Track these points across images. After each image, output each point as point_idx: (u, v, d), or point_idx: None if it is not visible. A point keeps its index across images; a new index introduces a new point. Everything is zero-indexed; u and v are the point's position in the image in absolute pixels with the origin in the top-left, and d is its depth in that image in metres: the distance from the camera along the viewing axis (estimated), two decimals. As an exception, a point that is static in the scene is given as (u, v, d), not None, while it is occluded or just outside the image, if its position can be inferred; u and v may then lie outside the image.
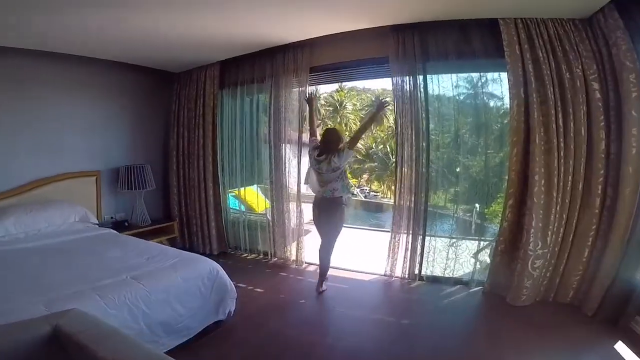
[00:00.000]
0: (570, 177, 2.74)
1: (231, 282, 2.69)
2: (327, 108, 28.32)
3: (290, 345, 2.44)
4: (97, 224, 3.79)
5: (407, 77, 3.28)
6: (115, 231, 3.66)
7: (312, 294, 3.31)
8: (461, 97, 3.38)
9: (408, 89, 3.30)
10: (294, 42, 3.74)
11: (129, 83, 4.49)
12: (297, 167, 4.03)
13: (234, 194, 4.69)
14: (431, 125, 3.34)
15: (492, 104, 3.31)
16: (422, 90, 3.29)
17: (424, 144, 3.29)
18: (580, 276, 2.77)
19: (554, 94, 2.68)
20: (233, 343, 2.46)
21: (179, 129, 4.63)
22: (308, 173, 3.45)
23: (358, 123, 26.99)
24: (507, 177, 2.96)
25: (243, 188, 4.65)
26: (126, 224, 4.29)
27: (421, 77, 3.27)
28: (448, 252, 3.37)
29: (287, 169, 4.02)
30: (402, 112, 3.33)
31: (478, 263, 3.42)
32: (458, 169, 3.47)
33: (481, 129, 3.29)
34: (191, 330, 2.36)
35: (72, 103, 4.00)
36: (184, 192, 4.68)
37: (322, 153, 3.15)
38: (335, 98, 28.57)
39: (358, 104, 29.51)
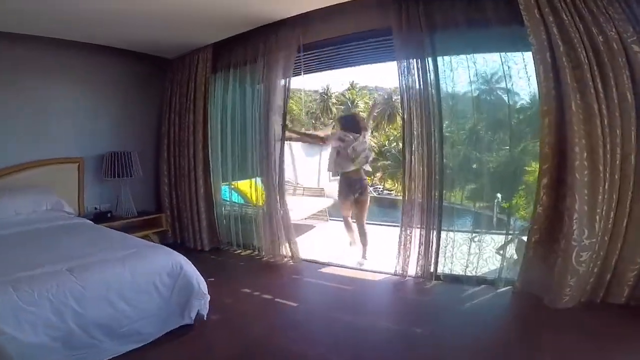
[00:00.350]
0: (618, 149, 2.25)
1: (200, 281, 2.25)
2: (339, 107, 28.08)
3: (273, 356, 1.99)
4: (72, 214, 3.42)
5: (414, 60, 2.89)
6: (90, 222, 3.28)
7: (306, 296, 2.85)
8: (475, 93, 2.93)
9: (415, 70, 2.90)
10: (287, 19, 3.37)
11: (120, 68, 4.21)
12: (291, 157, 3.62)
13: (229, 185, 4.23)
14: (445, 122, 2.97)
15: (506, 98, 2.90)
16: (431, 71, 2.87)
17: (435, 132, 2.88)
18: (637, 271, 2.25)
19: (587, 58, 2.26)
20: (201, 350, 2.02)
21: (171, 114, 4.28)
22: (333, 161, 3.68)
23: (370, 121, 26.61)
24: (539, 152, 2.46)
25: (242, 179, 4.21)
26: (109, 215, 3.91)
27: (430, 59, 2.86)
28: (470, 247, 2.85)
29: (277, 158, 3.57)
30: (408, 94, 2.93)
31: (505, 258, 2.91)
32: (474, 165, 3.07)
33: (497, 124, 2.96)
34: (146, 335, 1.95)
35: (56, 87, 3.74)
36: (175, 182, 4.30)
37: (355, 132, 3.60)
38: (347, 97, 28.29)
39: (370, 102, 29.14)
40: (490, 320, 2.43)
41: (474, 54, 2.78)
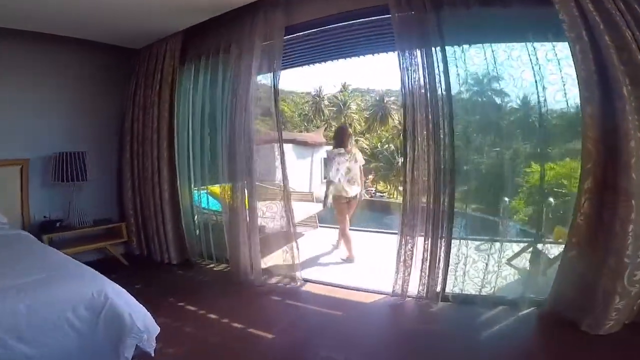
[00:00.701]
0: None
1: (137, 313, 1.71)
2: (331, 108, 27.71)
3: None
4: (6, 224, 2.85)
5: (418, 50, 2.39)
6: (27, 234, 2.72)
7: (286, 324, 2.32)
8: (467, 96, 2.53)
9: (420, 62, 2.40)
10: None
11: (77, 59, 3.67)
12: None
13: (198, 189, 3.66)
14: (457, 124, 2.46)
15: (498, 100, 2.51)
16: (440, 62, 2.38)
17: (445, 127, 2.37)
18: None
19: (634, 38, 1.87)
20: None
21: (135, 110, 3.73)
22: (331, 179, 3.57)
23: (362, 123, 26.29)
24: (581, 149, 1.98)
25: (213, 183, 3.64)
26: (58, 224, 3.34)
27: (438, 49, 2.38)
28: (488, 263, 2.34)
29: (246, 157, 3.00)
30: (411, 87, 2.43)
31: (521, 272, 2.48)
32: (466, 167, 2.61)
33: (491, 125, 2.56)
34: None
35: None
36: (139, 186, 3.73)
37: (343, 145, 3.57)
38: (340, 98, 27.96)
39: (362, 104, 28.91)
40: (520, 356, 1.94)
41: (492, 43, 2.30)
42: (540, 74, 2.15)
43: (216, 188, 3.69)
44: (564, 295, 2.11)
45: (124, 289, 1.77)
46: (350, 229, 3.77)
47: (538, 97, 2.17)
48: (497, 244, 2.39)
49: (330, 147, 4.09)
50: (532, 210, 2.79)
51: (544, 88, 2.15)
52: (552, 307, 2.18)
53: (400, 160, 21.56)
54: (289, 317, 2.41)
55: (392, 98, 27.22)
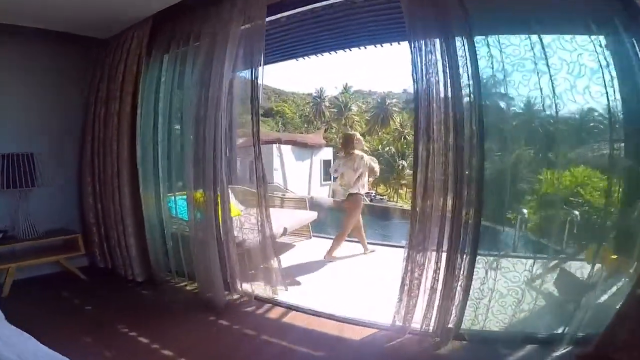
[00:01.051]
0: None
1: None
2: (332, 110, 27.39)
3: None
4: None
5: (437, 40, 1.89)
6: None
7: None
8: (500, 85, 1.99)
9: (438, 56, 1.89)
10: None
11: (31, 50, 3.23)
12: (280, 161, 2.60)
13: (169, 195, 3.14)
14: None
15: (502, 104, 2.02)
16: (464, 38, 1.83)
17: (473, 123, 1.83)
18: None
19: None
20: None
21: (97, 105, 3.27)
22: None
23: (363, 125, 25.89)
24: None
25: (181, 190, 3.14)
26: (1, 234, 2.87)
27: (464, 39, 1.84)
28: (523, 295, 1.82)
29: (220, 160, 2.54)
30: (427, 87, 1.90)
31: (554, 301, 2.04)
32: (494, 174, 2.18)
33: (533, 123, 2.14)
34: None
35: None
36: (100, 192, 3.24)
37: (344, 151, 3.64)
38: (341, 100, 27.62)
39: (363, 106, 28.60)
40: None
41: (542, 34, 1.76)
42: (606, 58, 1.63)
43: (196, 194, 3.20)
44: (619, 336, 1.61)
45: (17, 329, 1.33)
46: (347, 240, 3.75)
47: (606, 88, 1.63)
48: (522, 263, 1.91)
49: (329, 149, 3.96)
50: (548, 222, 2.34)
51: (612, 78, 1.63)
52: (600, 347, 1.68)
53: (401, 163, 21.14)
54: (259, 353, 1.90)
55: (394, 100, 26.87)
